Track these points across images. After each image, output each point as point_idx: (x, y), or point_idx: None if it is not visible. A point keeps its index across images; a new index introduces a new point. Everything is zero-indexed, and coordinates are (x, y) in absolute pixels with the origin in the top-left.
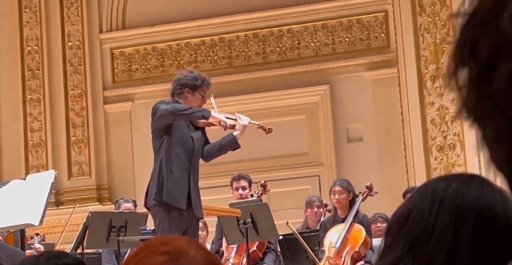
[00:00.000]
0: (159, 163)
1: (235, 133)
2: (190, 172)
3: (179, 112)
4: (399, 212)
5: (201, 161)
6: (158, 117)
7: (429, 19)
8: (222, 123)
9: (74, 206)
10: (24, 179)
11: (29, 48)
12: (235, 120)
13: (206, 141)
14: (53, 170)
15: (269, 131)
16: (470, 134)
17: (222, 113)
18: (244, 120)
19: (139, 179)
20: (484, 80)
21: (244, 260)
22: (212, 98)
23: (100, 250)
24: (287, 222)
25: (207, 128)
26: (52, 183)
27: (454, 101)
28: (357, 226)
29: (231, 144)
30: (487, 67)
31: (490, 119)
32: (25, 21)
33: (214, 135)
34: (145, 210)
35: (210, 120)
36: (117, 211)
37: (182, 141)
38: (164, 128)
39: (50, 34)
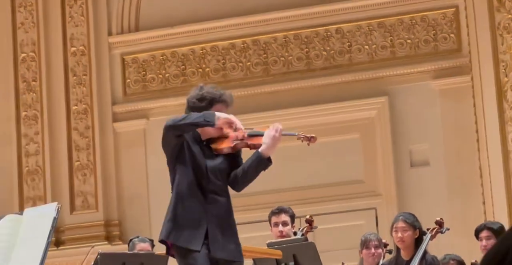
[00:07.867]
0: (174, 199)
1: (260, 148)
2: (208, 205)
3: (178, 123)
4: (492, 253)
5: (233, 192)
6: (162, 138)
7: (510, 16)
8: (234, 129)
9: (85, 245)
10: (21, 213)
11: (24, 54)
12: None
13: (233, 167)
14: (56, 203)
15: (311, 140)
16: None
17: (249, 128)
18: (272, 129)
19: (156, 214)
20: None
21: None
22: None
23: None
24: (343, 264)
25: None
26: (54, 218)
27: None
28: None
29: (257, 162)
30: None
31: None
32: (19, 22)
33: None
34: (164, 250)
35: (218, 123)
36: (131, 252)
37: (195, 169)
38: (175, 158)
39: (49, 38)
